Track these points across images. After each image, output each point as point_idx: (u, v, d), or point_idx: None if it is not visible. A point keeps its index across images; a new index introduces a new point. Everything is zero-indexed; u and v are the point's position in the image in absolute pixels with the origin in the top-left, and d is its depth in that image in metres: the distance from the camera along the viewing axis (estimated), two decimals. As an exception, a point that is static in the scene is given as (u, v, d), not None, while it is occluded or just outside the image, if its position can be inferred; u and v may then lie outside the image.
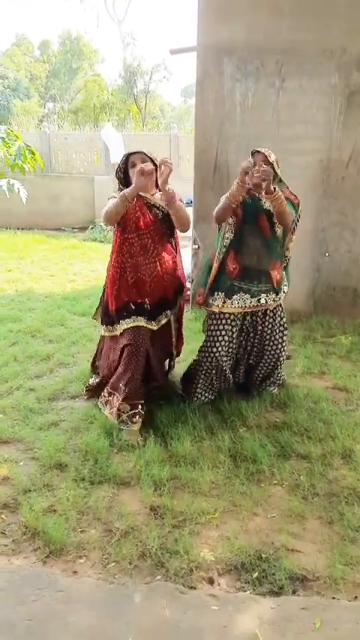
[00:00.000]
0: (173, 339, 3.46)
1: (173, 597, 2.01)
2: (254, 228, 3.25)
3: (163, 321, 3.29)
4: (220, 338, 3.34)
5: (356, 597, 2.03)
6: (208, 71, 4.95)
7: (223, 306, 3.30)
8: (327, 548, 2.28)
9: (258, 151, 3.26)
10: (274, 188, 3.06)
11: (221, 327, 3.34)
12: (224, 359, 3.40)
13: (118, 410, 3.15)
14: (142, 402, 3.21)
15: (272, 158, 3.21)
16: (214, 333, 3.36)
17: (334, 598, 2.01)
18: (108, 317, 3.34)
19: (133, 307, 3.20)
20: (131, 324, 3.18)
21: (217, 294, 3.32)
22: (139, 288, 3.19)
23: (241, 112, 4.98)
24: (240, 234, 3.27)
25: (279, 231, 3.31)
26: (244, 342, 3.50)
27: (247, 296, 3.28)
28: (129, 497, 2.58)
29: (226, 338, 3.35)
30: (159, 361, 3.46)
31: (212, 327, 3.37)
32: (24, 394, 3.61)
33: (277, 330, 3.46)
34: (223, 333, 3.34)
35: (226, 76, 4.93)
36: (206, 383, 3.46)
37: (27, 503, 2.49)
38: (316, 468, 2.81)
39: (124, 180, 3.23)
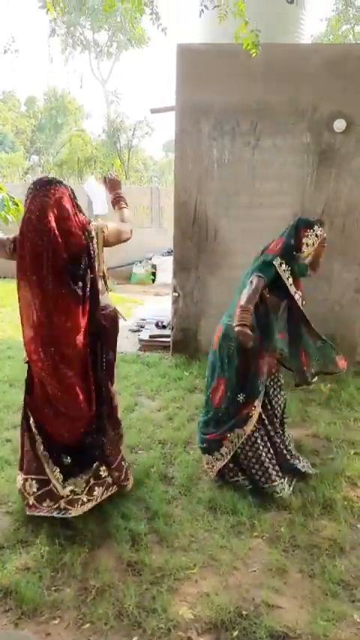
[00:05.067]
0: None
1: (150, 660, 1.94)
2: None
3: None
4: None
5: (338, 655, 1.97)
6: (186, 130, 5.17)
7: None
8: (308, 603, 2.23)
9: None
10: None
11: None
12: None
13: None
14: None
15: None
16: None
17: (315, 656, 1.96)
18: None
19: None
20: None
21: None
22: None
23: (219, 168, 5.17)
24: None
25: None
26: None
27: None
28: (105, 553, 2.51)
29: None
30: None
31: None
32: (0, 445, 3.54)
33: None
34: None
35: (203, 135, 5.15)
36: None
37: (0, 561, 2.40)
38: (297, 519, 2.78)
39: None
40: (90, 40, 24.30)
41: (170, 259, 5.54)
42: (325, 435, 3.80)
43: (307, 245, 3.08)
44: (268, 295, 3.07)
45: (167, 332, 5.92)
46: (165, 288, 9.52)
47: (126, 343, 5.96)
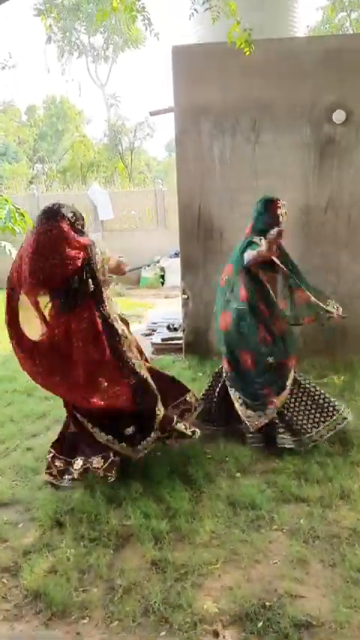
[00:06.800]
0: None
1: (178, 653, 1.99)
2: None
3: None
4: None
5: (362, 641, 2.01)
6: (186, 130, 5.21)
7: None
8: (330, 591, 2.27)
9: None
10: None
11: None
12: None
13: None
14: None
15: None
16: None
17: (339, 643, 2.00)
18: None
19: None
20: None
21: None
22: None
23: (221, 166, 5.21)
24: None
25: None
26: None
27: None
28: (129, 552, 2.57)
29: None
30: None
31: None
32: (22, 454, 3.62)
33: None
34: None
35: (203, 134, 5.19)
36: None
37: (27, 565, 2.48)
38: (316, 511, 2.81)
39: None
40: (86, 44, 24.39)
41: (178, 261, 5.59)
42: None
43: (282, 215, 3.59)
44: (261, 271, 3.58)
45: (179, 334, 5.97)
46: (175, 290, 9.56)
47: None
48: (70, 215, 3.04)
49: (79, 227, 3.08)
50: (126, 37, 22.70)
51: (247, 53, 4.23)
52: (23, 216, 6.09)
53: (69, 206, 3.11)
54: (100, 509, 2.84)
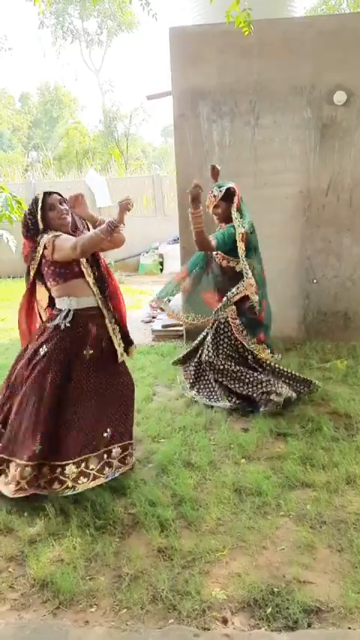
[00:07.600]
0: None
1: (187, 640, 1.98)
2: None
3: None
4: None
5: (372, 626, 2.00)
6: (184, 114, 5.13)
7: None
8: (339, 577, 2.26)
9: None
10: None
11: None
12: None
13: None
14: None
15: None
16: None
17: (349, 628, 1.99)
18: None
19: None
20: None
21: None
22: None
23: (220, 150, 5.14)
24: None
25: None
26: None
27: None
28: (135, 540, 2.56)
29: None
30: None
31: None
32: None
33: None
34: None
35: (202, 118, 5.11)
36: None
37: (34, 554, 2.46)
38: (322, 496, 2.80)
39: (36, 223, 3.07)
40: (79, 29, 24.02)
41: (177, 247, 5.53)
42: (344, 412, 3.80)
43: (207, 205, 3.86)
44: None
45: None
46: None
47: (139, 335, 5.99)
48: (26, 212, 3.12)
49: (29, 225, 3.11)
50: (120, 20, 22.37)
51: (247, 34, 4.14)
52: (20, 204, 6.02)
53: (39, 197, 3.13)
54: (105, 497, 2.83)
